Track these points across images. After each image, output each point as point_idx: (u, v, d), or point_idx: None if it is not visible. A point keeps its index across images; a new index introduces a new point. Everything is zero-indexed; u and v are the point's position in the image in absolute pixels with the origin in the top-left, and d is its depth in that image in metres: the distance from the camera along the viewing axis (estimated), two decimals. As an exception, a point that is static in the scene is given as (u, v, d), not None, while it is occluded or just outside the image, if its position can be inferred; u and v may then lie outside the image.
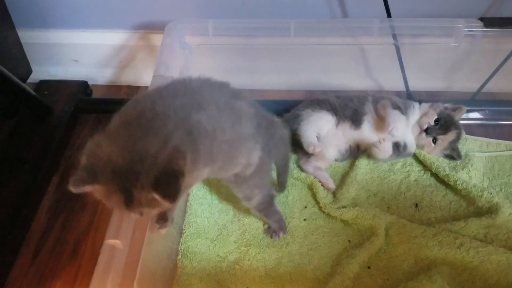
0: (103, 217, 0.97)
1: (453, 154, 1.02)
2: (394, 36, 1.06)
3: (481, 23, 1.00)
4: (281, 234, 0.90)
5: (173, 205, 0.53)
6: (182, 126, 0.57)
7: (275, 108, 1.02)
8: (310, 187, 0.99)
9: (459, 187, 0.96)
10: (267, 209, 0.84)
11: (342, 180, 1.02)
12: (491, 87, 1.14)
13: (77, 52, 1.23)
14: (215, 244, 0.90)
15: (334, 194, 0.98)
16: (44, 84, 1.22)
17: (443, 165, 1.00)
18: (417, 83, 1.17)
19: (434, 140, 1.00)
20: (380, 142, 0.96)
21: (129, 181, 0.52)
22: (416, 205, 0.97)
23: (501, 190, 0.99)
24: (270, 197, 0.83)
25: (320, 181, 0.98)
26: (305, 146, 0.97)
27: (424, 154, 1.02)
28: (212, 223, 0.93)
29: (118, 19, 1.16)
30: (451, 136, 1.00)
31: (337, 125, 1.03)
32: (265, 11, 1.12)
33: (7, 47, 1.11)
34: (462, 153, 1.04)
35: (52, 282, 0.87)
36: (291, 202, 0.97)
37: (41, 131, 1.09)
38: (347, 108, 1.03)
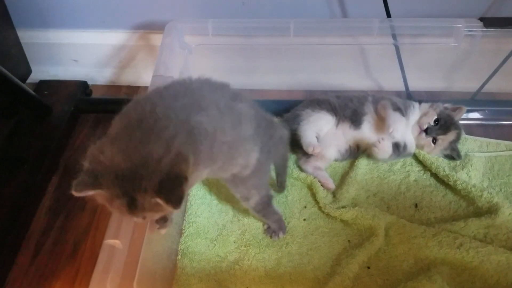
0: (102, 217, 0.97)
1: (453, 154, 1.02)
2: (394, 36, 1.06)
3: (481, 23, 1.00)
4: (280, 234, 0.90)
5: (177, 210, 0.53)
6: (183, 129, 0.57)
7: (275, 108, 1.02)
8: (310, 187, 0.99)
9: (459, 187, 0.96)
10: (265, 209, 0.84)
11: (342, 180, 1.02)
12: (491, 87, 1.14)
13: (77, 52, 1.23)
14: (215, 244, 0.90)
15: (334, 194, 0.98)
16: (43, 84, 1.22)
17: (443, 165, 1.00)
18: (417, 83, 1.17)
19: (434, 140, 1.00)
20: (379, 142, 0.96)
21: (133, 186, 0.53)
22: (416, 205, 0.97)
23: (500, 190, 0.99)
24: (268, 198, 0.83)
25: (319, 181, 0.98)
26: (304, 147, 0.97)
27: (424, 154, 1.02)
28: (211, 223, 0.93)
29: (118, 19, 1.16)
30: (451, 136, 1.00)
31: (337, 125, 1.03)
32: (265, 11, 1.12)
33: (7, 47, 1.11)
34: (462, 153, 1.04)
35: (52, 282, 0.87)
36: (291, 202, 0.97)
37: (41, 131, 1.09)
38: (347, 108, 1.03)
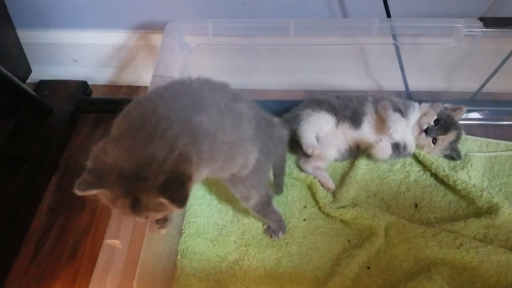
0: (102, 217, 0.97)
1: (452, 154, 1.02)
2: (394, 36, 1.06)
3: (481, 23, 1.00)
4: (280, 234, 0.90)
5: (182, 210, 0.53)
6: (185, 129, 0.57)
7: (275, 108, 1.02)
8: (310, 187, 0.99)
9: (459, 187, 0.96)
10: (265, 209, 0.83)
11: (342, 180, 1.02)
12: (491, 87, 1.14)
13: (77, 52, 1.23)
14: (215, 244, 0.90)
15: (334, 194, 0.98)
16: (43, 84, 1.22)
17: (442, 165, 1.00)
18: (417, 83, 1.17)
19: (434, 141, 1.00)
20: (377, 143, 0.96)
21: (136, 186, 0.53)
22: (416, 205, 0.97)
23: (500, 190, 0.99)
24: (268, 198, 0.83)
25: (319, 181, 0.98)
26: (304, 148, 0.97)
27: (424, 154, 1.02)
28: (211, 223, 0.93)
29: (117, 19, 1.16)
30: (451, 136, 1.00)
31: (337, 125, 1.03)
32: (265, 11, 1.12)
33: (7, 47, 1.11)
34: (462, 153, 1.04)
35: (52, 282, 0.87)
36: (291, 202, 0.97)
37: (41, 131, 1.09)
38: (347, 108, 1.03)
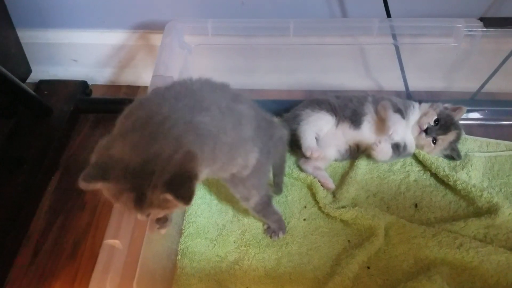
0: (102, 217, 0.97)
1: (453, 154, 1.02)
2: (394, 36, 1.06)
3: (481, 23, 1.00)
4: (280, 234, 0.90)
5: (184, 208, 0.53)
6: (190, 128, 0.57)
7: (275, 108, 1.02)
8: (310, 187, 0.99)
9: (459, 187, 0.96)
10: (265, 209, 0.83)
11: (342, 180, 1.02)
12: (491, 87, 1.14)
13: (77, 52, 1.23)
14: (215, 244, 0.90)
15: (334, 194, 0.98)
16: (43, 84, 1.22)
17: (442, 165, 1.00)
18: (417, 83, 1.17)
19: (434, 141, 1.00)
20: (376, 145, 0.96)
21: (143, 181, 0.53)
22: (416, 205, 0.97)
23: (500, 190, 0.99)
24: (268, 198, 0.83)
25: (319, 181, 0.98)
26: (303, 150, 0.98)
27: (424, 154, 1.02)
28: (211, 223, 0.93)
29: (117, 19, 1.16)
30: (451, 136, 1.00)
31: (336, 125, 1.03)
32: (265, 10, 1.12)
33: (7, 47, 1.11)
34: (462, 153, 1.04)
35: (52, 282, 0.87)
36: (291, 202, 0.97)
37: (41, 131, 1.09)
38: (347, 108, 1.03)
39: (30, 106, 1.10)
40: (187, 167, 0.54)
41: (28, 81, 1.18)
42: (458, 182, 0.96)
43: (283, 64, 1.21)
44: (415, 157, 1.04)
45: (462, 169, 1.01)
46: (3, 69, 0.96)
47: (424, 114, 1.01)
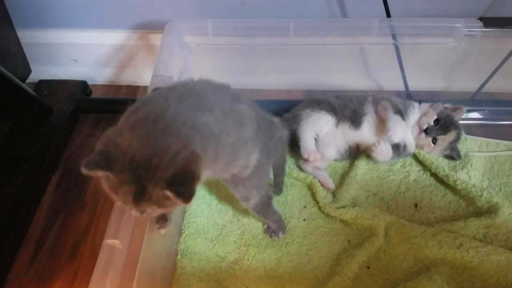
0: (102, 217, 0.97)
1: (452, 154, 1.02)
2: (394, 36, 1.06)
3: (480, 23, 1.00)
4: (280, 234, 0.90)
5: (183, 207, 0.53)
6: (198, 129, 0.58)
7: (275, 108, 1.02)
8: (310, 187, 0.99)
9: (459, 187, 0.96)
10: (265, 209, 0.83)
11: (342, 180, 1.02)
12: (491, 87, 1.14)
13: (77, 52, 1.23)
14: (215, 244, 0.90)
15: (334, 194, 0.98)
16: (43, 84, 1.22)
17: (442, 165, 1.00)
18: (416, 83, 1.17)
19: (434, 141, 1.00)
20: (376, 146, 0.96)
21: (145, 174, 0.53)
22: (416, 205, 0.97)
23: (500, 190, 0.99)
24: (268, 198, 0.83)
25: (319, 181, 0.98)
26: (301, 152, 0.98)
27: (424, 154, 1.02)
28: (211, 223, 0.93)
29: (117, 19, 1.16)
30: (450, 136, 1.00)
31: (336, 125, 1.03)
32: (265, 10, 1.12)
33: (7, 47, 1.11)
34: (462, 153, 1.04)
35: (52, 282, 0.87)
36: (291, 202, 0.97)
37: (41, 131, 1.09)
38: (347, 108, 1.03)
39: (30, 106, 1.10)
40: (191, 167, 0.54)
41: (28, 81, 1.18)
42: (458, 182, 0.96)
43: (283, 64, 1.21)
44: (415, 157, 1.05)
45: (462, 169, 1.01)
46: (3, 69, 0.97)
47: (424, 114, 1.01)
